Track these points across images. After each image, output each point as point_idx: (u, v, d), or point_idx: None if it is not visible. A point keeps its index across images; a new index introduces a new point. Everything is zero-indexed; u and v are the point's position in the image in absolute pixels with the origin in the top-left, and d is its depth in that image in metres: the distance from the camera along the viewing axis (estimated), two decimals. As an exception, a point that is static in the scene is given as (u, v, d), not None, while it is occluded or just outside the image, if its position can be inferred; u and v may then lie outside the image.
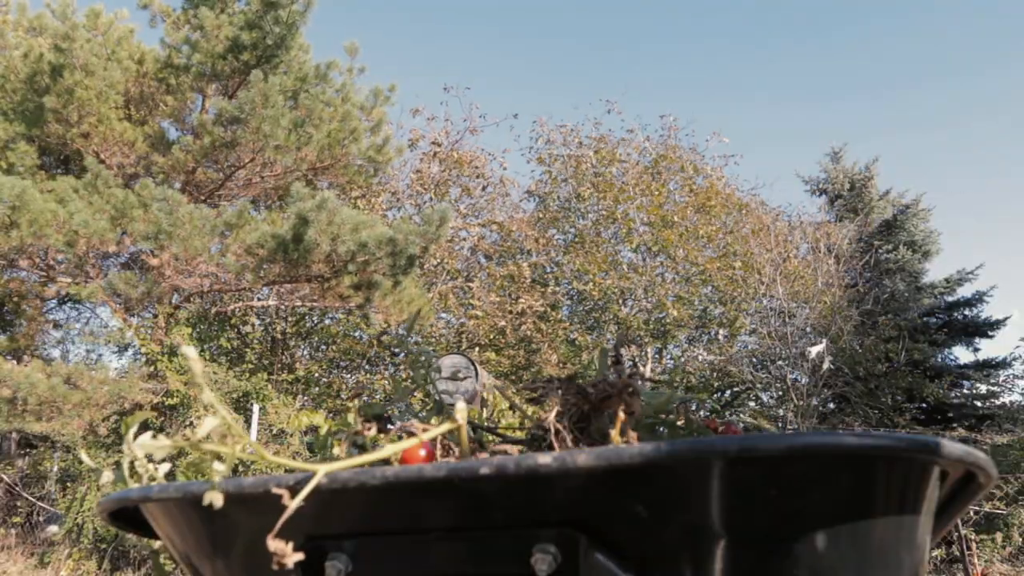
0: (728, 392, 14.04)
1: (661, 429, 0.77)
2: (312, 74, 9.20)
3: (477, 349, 12.10)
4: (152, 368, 8.70)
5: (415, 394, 0.87)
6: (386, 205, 13.13)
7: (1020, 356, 13.94)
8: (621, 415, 0.71)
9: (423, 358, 0.89)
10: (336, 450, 0.72)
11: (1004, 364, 14.04)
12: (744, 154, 30.95)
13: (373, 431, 0.73)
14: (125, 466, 0.72)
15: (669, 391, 0.77)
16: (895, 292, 14.08)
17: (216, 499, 0.54)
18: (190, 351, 0.52)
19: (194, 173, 9.21)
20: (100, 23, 8.69)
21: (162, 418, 8.70)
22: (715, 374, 13.24)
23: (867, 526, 0.57)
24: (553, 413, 0.72)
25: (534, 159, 14.88)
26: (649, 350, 12.87)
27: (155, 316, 9.30)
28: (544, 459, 0.54)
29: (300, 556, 0.53)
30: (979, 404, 13.73)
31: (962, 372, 14.17)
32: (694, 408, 0.78)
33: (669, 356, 13.82)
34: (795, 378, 11.70)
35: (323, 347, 12.52)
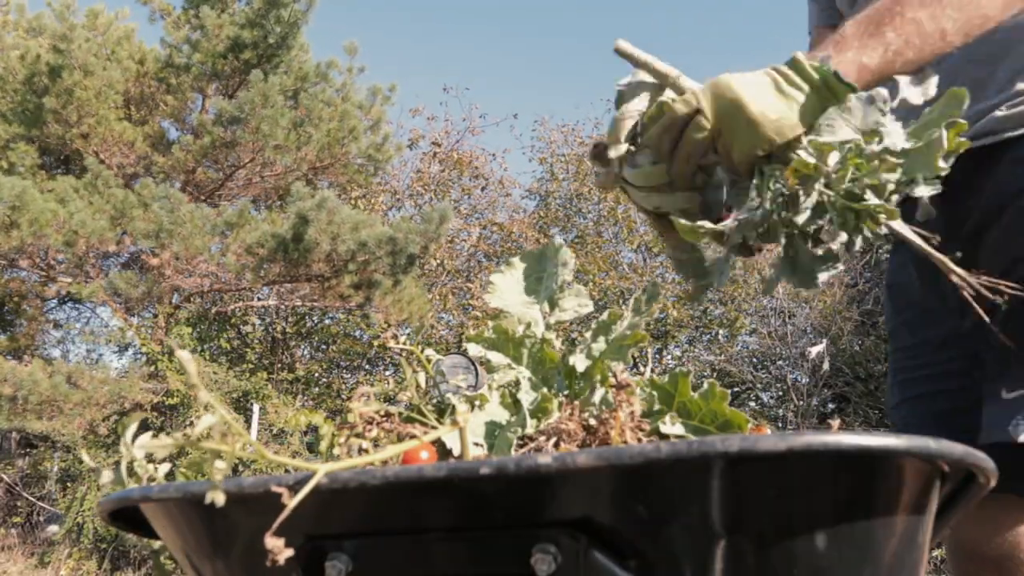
0: (728, 392, 14.05)
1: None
2: (312, 73, 9.21)
3: (477, 349, 12.10)
4: (152, 368, 8.71)
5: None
6: (386, 205, 13.13)
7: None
8: (620, 416, 0.71)
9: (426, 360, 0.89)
10: (337, 450, 0.72)
11: (1004, 364, 14.03)
12: (744, 154, 30.83)
13: (375, 432, 0.74)
14: (123, 467, 0.73)
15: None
16: (895, 292, 14.07)
17: (218, 498, 0.54)
18: (184, 355, 0.52)
19: (194, 173, 9.22)
20: (100, 23, 8.70)
21: (162, 418, 8.70)
22: (715, 374, 13.26)
23: (867, 526, 0.57)
24: (551, 443, 0.72)
25: (535, 158, 14.91)
26: (649, 351, 12.87)
27: (155, 316, 9.30)
28: (544, 459, 0.54)
29: (290, 552, 0.53)
30: (979, 404, 13.71)
31: (962, 372, 14.15)
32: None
33: (669, 356, 13.84)
34: (795, 378, 11.71)
35: (323, 347, 12.52)
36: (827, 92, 0.93)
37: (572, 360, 0.82)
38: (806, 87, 0.93)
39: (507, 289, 0.92)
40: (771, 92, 0.93)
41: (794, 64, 0.95)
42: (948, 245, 1.26)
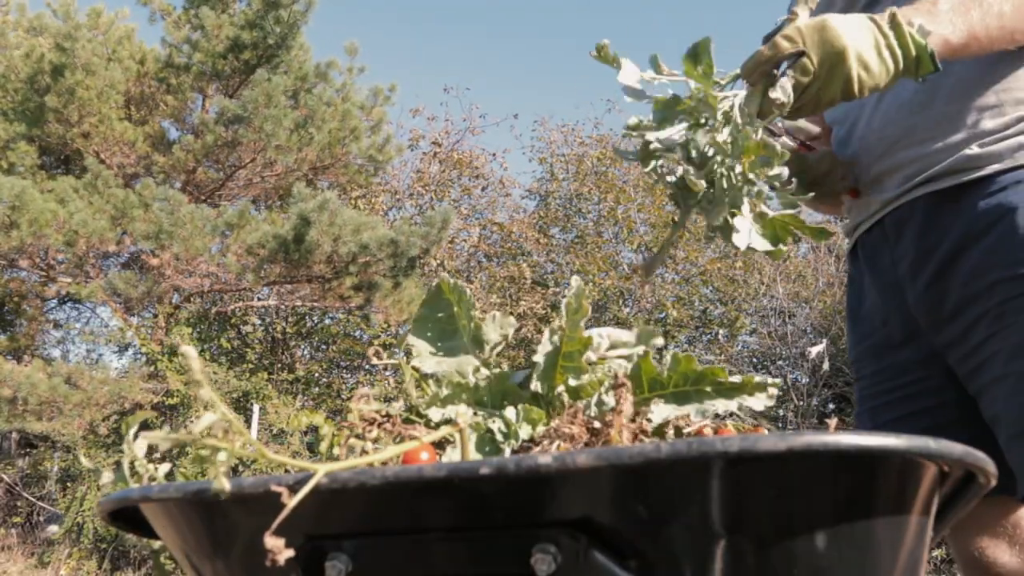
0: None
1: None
2: (312, 73, 9.21)
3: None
4: (152, 368, 8.71)
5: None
6: (387, 205, 13.13)
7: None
8: (619, 415, 0.71)
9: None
10: (337, 450, 0.72)
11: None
12: (744, 154, 30.83)
13: (375, 433, 0.74)
14: (125, 466, 0.73)
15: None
16: (895, 292, 14.04)
17: (223, 488, 0.54)
18: (190, 350, 0.52)
19: (194, 173, 9.22)
20: (101, 22, 8.70)
21: (162, 418, 8.70)
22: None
23: (867, 526, 0.57)
24: (555, 446, 0.72)
25: (535, 158, 14.90)
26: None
27: (155, 316, 9.30)
28: (544, 459, 0.54)
29: (290, 552, 0.53)
30: (979, 404, 13.69)
31: (962, 372, 14.12)
32: None
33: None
34: (795, 378, 11.71)
35: (323, 347, 12.52)
36: (914, 66, 0.99)
37: (533, 386, 0.81)
38: (900, 55, 0.99)
39: (427, 347, 0.88)
40: (871, 51, 0.98)
41: (896, 28, 0.99)
42: (918, 274, 1.28)
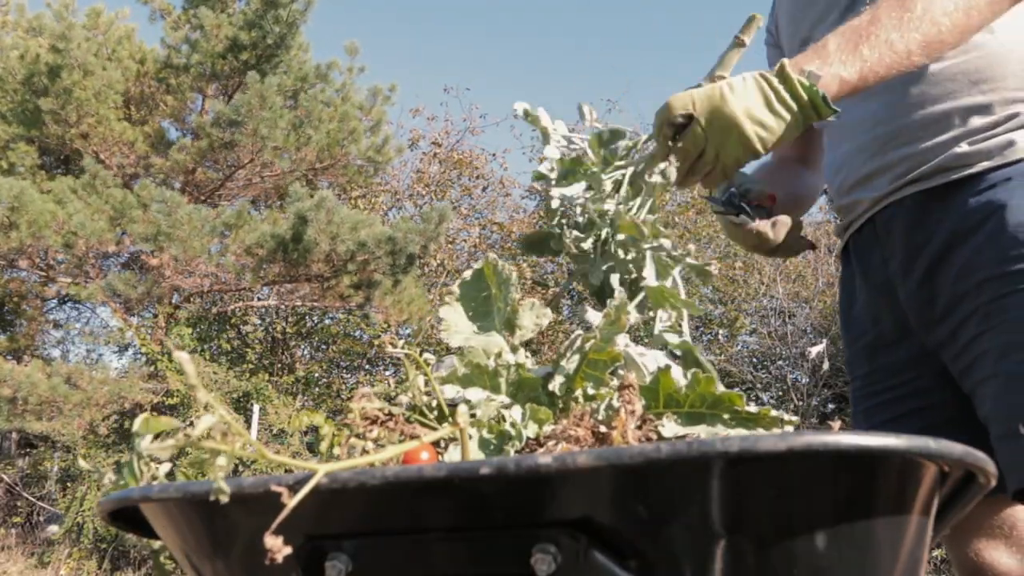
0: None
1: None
2: (312, 74, 9.20)
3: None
4: (152, 368, 8.71)
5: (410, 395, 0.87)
6: (387, 205, 13.13)
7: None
8: (622, 415, 0.71)
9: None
10: (337, 450, 0.72)
11: (1004, 364, 14.00)
12: (744, 154, 30.85)
13: (376, 432, 0.74)
14: (135, 463, 0.73)
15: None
16: (895, 292, 14.03)
17: (222, 494, 0.54)
18: (182, 356, 0.52)
19: (194, 173, 9.21)
20: (101, 22, 8.70)
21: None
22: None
23: (867, 526, 0.57)
24: (559, 447, 0.72)
25: (536, 158, 14.89)
26: (649, 350, 12.84)
27: (155, 316, 9.30)
28: (544, 459, 0.54)
29: (290, 552, 0.53)
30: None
31: (962, 372, 14.11)
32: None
33: (669, 356, 13.79)
34: (795, 378, 11.71)
35: (323, 347, 12.52)
36: (811, 111, 1.03)
37: (552, 385, 0.81)
38: (794, 106, 1.02)
39: (459, 322, 0.89)
40: (762, 109, 1.02)
41: (784, 79, 1.03)
42: (908, 273, 1.29)
